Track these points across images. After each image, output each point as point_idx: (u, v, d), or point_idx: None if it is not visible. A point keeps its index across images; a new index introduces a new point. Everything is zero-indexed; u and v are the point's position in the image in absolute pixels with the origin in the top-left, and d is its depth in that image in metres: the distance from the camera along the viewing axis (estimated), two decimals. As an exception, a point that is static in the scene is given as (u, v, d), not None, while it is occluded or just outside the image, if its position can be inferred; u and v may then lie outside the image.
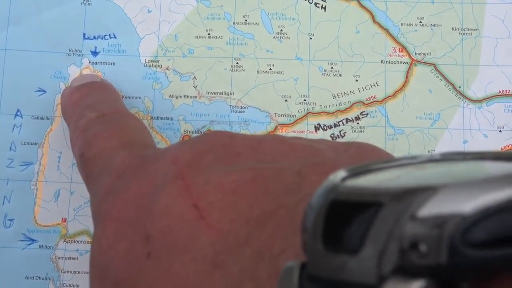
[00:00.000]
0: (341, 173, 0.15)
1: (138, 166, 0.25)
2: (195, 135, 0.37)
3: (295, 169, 0.22)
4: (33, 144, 0.37)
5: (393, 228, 0.12)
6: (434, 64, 0.37)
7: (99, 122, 0.31)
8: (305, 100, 0.37)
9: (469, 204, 0.12)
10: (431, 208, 0.12)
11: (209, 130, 0.37)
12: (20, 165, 0.36)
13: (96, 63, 0.37)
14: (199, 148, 0.24)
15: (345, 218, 0.14)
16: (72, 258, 0.36)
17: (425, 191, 0.13)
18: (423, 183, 0.13)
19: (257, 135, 0.25)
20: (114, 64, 0.37)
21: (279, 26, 0.38)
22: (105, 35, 0.38)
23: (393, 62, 0.37)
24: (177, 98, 0.37)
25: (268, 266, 0.19)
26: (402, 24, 0.37)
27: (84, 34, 0.37)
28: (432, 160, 0.15)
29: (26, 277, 0.36)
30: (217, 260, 0.20)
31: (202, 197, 0.22)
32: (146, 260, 0.21)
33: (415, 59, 0.37)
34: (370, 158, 0.24)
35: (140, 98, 0.37)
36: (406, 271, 0.12)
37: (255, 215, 0.21)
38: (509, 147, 0.36)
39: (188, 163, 0.23)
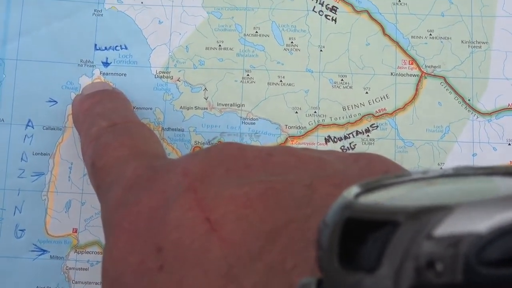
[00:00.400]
0: (354, 189, 0.15)
1: (149, 178, 0.25)
2: (205, 146, 0.37)
3: (305, 181, 0.22)
4: (44, 154, 0.37)
5: (410, 247, 0.13)
6: (444, 77, 0.37)
7: (110, 131, 0.31)
8: (315, 112, 0.37)
9: (484, 223, 0.12)
10: (447, 228, 0.13)
11: (219, 141, 0.37)
12: (31, 176, 0.37)
13: (107, 74, 0.37)
14: (210, 160, 0.24)
15: (361, 235, 0.14)
16: (83, 269, 0.36)
17: (441, 210, 0.13)
18: (438, 201, 0.13)
19: (267, 147, 0.26)
20: (125, 75, 0.37)
21: (289, 38, 0.38)
22: (116, 46, 0.38)
23: (403, 75, 0.37)
24: (188, 109, 0.37)
25: (281, 280, 0.19)
26: (412, 36, 0.38)
27: (95, 45, 0.38)
28: (443, 175, 0.16)
29: (37, 288, 0.36)
30: (230, 273, 0.20)
31: (214, 210, 0.22)
32: (158, 272, 0.21)
33: (425, 71, 0.37)
34: (379, 169, 0.24)
35: (151, 109, 0.37)
36: None
37: (267, 229, 0.21)
38: (518, 160, 0.36)
39: (199, 175, 0.23)
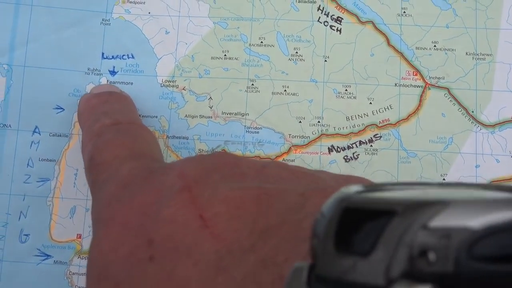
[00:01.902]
0: (354, 188, 0.16)
1: (145, 178, 0.26)
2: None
3: (298, 191, 0.23)
4: (50, 160, 0.37)
5: (405, 235, 0.13)
6: (447, 88, 0.37)
7: (113, 129, 0.31)
8: (319, 121, 0.37)
9: (477, 220, 0.13)
10: (442, 220, 0.13)
11: (223, 149, 0.37)
12: (37, 181, 0.37)
13: (114, 82, 0.38)
14: (206, 165, 0.25)
15: (357, 224, 0.14)
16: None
17: (438, 204, 0.13)
18: (435, 197, 0.14)
19: (262, 160, 0.26)
20: (131, 83, 0.38)
21: (294, 48, 0.38)
22: (123, 55, 0.38)
23: (407, 86, 0.37)
24: (192, 118, 0.38)
25: (272, 272, 0.19)
26: (416, 47, 0.38)
27: (102, 53, 0.38)
28: (442, 184, 0.16)
29: (41, 293, 0.36)
30: (221, 265, 0.20)
31: (208, 209, 0.22)
32: (148, 263, 0.22)
33: (429, 83, 0.37)
34: None
35: (156, 117, 0.38)
36: (413, 276, 0.13)
37: (259, 228, 0.21)
38: (522, 172, 0.36)
39: (195, 178, 0.24)
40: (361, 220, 0.14)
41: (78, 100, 0.37)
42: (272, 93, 0.38)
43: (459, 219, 0.13)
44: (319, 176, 0.25)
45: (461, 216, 0.13)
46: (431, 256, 0.13)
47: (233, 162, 0.25)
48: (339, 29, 0.38)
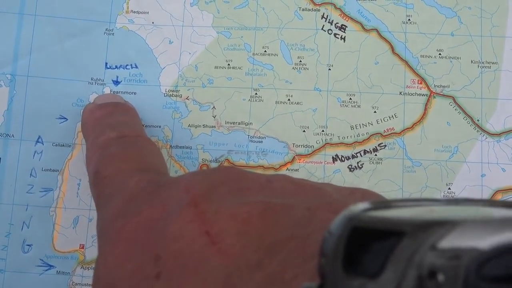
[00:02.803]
0: (361, 205, 0.15)
1: (151, 191, 0.25)
2: (213, 164, 0.37)
3: (304, 205, 0.23)
4: (53, 170, 0.37)
5: (414, 256, 0.13)
6: (453, 97, 0.37)
7: (118, 142, 0.31)
8: (323, 131, 0.37)
9: (486, 240, 0.13)
10: (450, 241, 0.13)
11: (227, 159, 0.37)
12: (40, 191, 0.37)
13: (117, 92, 0.38)
14: (212, 179, 0.25)
15: (365, 244, 0.14)
16: (89, 285, 0.36)
17: (446, 225, 0.13)
18: (444, 217, 0.14)
19: (267, 174, 0.26)
20: (135, 93, 0.38)
21: (298, 57, 0.38)
22: (127, 65, 0.38)
23: (412, 94, 0.37)
24: (196, 127, 0.37)
25: None
26: (421, 56, 0.37)
27: (106, 63, 0.38)
28: (449, 201, 0.16)
29: (43, 303, 0.36)
30: (228, 282, 0.20)
31: (214, 224, 0.22)
32: (155, 280, 0.21)
33: (434, 91, 0.37)
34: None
35: (159, 127, 0.37)
36: None
37: (266, 244, 0.21)
38: (529, 181, 0.36)
39: (201, 192, 0.24)
40: (370, 239, 0.14)
41: (82, 110, 0.37)
42: (276, 102, 0.37)
43: (468, 240, 0.13)
44: (324, 189, 0.25)
45: (470, 237, 0.13)
46: (440, 277, 0.13)
47: (239, 176, 0.25)
48: (343, 37, 0.38)
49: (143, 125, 0.37)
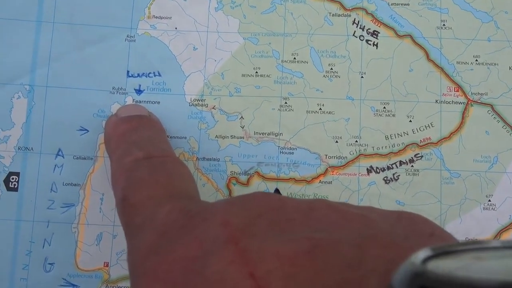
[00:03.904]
0: (421, 254, 0.15)
1: (184, 225, 0.24)
2: (242, 176, 0.35)
3: (353, 241, 0.21)
4: (75, 185, 0.36)
5: None
6: (491, 105, 0.36)
7: (146, 164, 0.30)
8: (356, 141, 0.36)
9: None
10: None
11: (257, 172, 0.35)
12: (61, 207, 0.35)
13: (140, 101, 0.36)
14: (250, 210, 0.23)
15: None
16: (115, 305, 0.35)
17: None
18: None
19: (306, 200, 0.24)
20: (158, 103, 0.36)
21: (329, 64, 0.36)
22: (150, 73, 0.36)
23: (449, 102, 0.36)
24: (223, 138, 0.36)
25: None
26: (457, 62, 0.36)
27: (128, 71, 0.36)
28: (506, 247, 0.16)
29: (68, 325, 0.34)
30: None
31: (259, 265, 0.20)
32: None
33: (471, 99, 0.36)
34: (424, 231, 0.23)
35: (185, 138, 0.36)
36: None
37: None
38: None
39: (241, 227, 0.22)
40: None
41: (104, 123, 0.35)
42: (307, 111, 0.36)
43: None
44: (369, 217, 0.23)
45: None
46: None
47: (278, 205, 0.23)
48: (375, 43, 0.36)
49: (168, 138, 0.35)
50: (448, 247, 0.15)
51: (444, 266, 0.14)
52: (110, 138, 0.33)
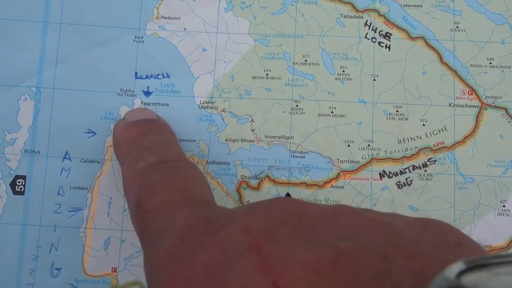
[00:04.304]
0: (456, 267, 0.14)
1: (204, 231, 0.23)
2: (253, 181, 0.35)
3: (379, 250, 0.20)
4: (82, 188, 0.35)
5: None
6: (505, 108, 0.35)
7: (159, 169, 0.29)
8: (369, 145, 0.35)
9: None
10: None
11: (267, 176, 0.35)
12: (68, 211, 0.35)
13: (148, 103, 0.35)
14: (272, 216, 0.22)
15: None
16: (123, 311, 0.34)
17: None
18: None
19: (328, 205, 0.23)
20: (167, 105, 0.35)
21: (341, 67, 0.36)
22: (158, 75, 0.36)
23: (462, 106, 0.35)
24: (233, 141, 0.35)
25: None
26: (471, 65, 0.35)
27: (136, 73, 0.36)
28: None
29: (76, 332, 0.34)
30: None
31: (282, 274, 0.20)
32: None
33: (485, 102, 0.35)
34: (451, 239, 0.23)
35: (194, 141, 0.35)
36: None
37: None
38: None
39: (263, 234, 0.21)
40: None
41: (112, 125, 0.35)
42: (318, 114, 0.35)
43: None
44: (395, 225, 0.23)
45: None
46: None
47: (300, 211, 0.23)
48: (388, 45, 0.36)
49: (179, 142, 0.34)
50: (482, 260, 0.15)
51: (479, 281, 0.14)
52: (119, 143, 0.32)
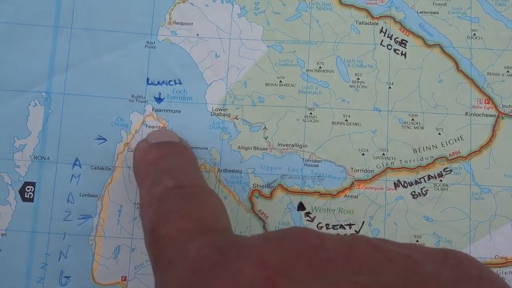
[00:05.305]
0: None
1: (217, 262, 0.22)
2: (265, 189, 0.34)
3: (399, 286, 0.20)
4: (92, 196, 0.34)
5: None
6: (523, 118, 0.35)
7: (176, 194, 0.28)
8: (383, 154, 0.34)
9: None
10: None
11: (280, 185, 0.34)
12: (78, 219, 0.34)
13: (160, 110, 0.35)
14: (288, 250, 0.22)
15: None
16: (133, 320, 0.34)
17: None
18: None
19: (345, 237, 0.23)
20: (179, 111, 0.35)
21: (355, 74, 0.35)
22: (170, 81, 0.35)
23: (479, 115, 0.35)
24: (246, 149, 0.35)
25: None
26: (488, 73, 0.35)
27: (147, 79, 0.35)
28: None
29: None
30: None
31: None
32: None
33: (502, 111, 0.35)
34: (473, 273, 0.22)
35: (206, 149, 0.35)
36: None
37: None
38: None
39: (279, 269, 0.21)
40: None
41: (122, 132, 0.34)
42: (332, 122, 0.35)
43: None
44: (414, 259, 0.22)
45: None
46: None
47: (317, 243, 0.22)
48: (404, 53, 0.35)
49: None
50: None
51: None
52: (139, 164, 0.32)
